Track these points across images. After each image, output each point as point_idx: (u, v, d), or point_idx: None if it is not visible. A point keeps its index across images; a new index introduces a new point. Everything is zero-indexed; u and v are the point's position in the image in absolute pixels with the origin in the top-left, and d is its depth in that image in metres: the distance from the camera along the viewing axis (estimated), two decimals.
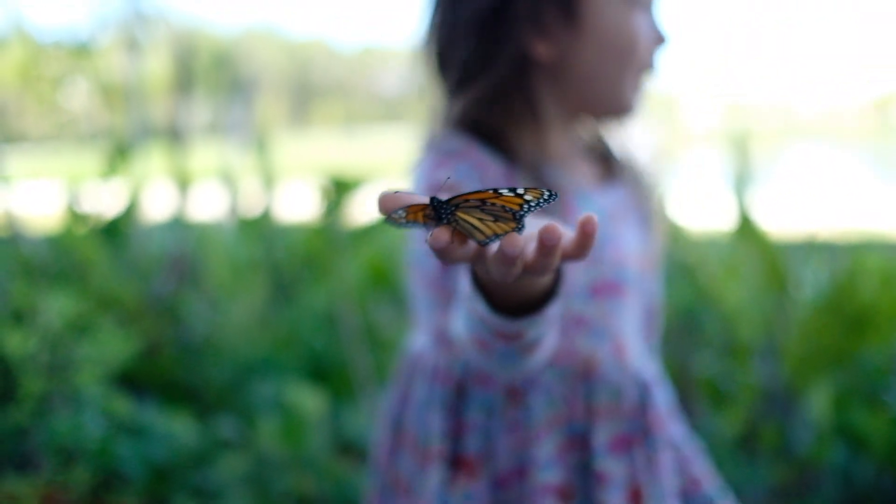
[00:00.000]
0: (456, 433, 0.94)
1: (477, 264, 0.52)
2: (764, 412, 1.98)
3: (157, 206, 3.29)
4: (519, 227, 0.49)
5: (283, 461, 1.92)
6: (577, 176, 0.96)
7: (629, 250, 0.97)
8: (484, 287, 0.62)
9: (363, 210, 2.46)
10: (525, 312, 0.62)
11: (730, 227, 2.07)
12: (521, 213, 0.50)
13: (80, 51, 4.15)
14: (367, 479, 1.08)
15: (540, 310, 0.62)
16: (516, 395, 0.93)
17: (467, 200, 0.49)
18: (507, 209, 0.49)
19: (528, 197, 0.49)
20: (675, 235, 2.06)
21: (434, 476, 0.93)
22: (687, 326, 2.30)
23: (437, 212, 0.49)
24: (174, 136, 3.50)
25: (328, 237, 2.42)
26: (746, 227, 2.02)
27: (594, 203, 0.96)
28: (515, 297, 0.61)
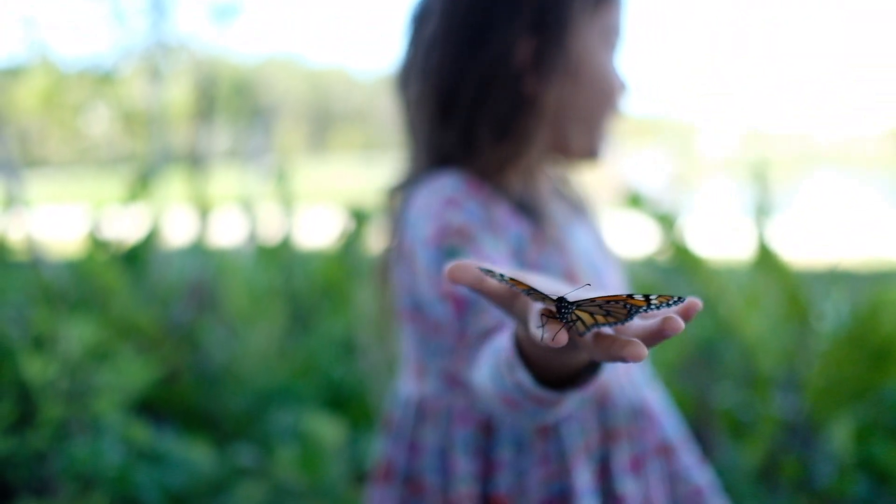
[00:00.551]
0: (485, 473, 0.93)
1: (572, 349, 0.51)
2: (785, 444, 1.96)
3: (177, 233, 3.32)
4: (625, 321, 0.48)
5: (301, 490, 1.92)
6: (559, 212, 0.98)
7: (611, 279, 0.99)
8: (526, 355, 0.60)
9: (381, 238, 2.46)
10: (565, 381, 0.61)
11: (749, 257, 2.06)
12: (637, 309, 0.48)
13: (103, 78, 4.20)
14: None
15: (583, 383, 0.61)
16: (547, 427, 0.92)
17: (594, 301, 0.48)
18: (627, 306, 0.48)
19: (654, 303, 0.48)
20: (695, 265, 2.05)
21: None
22: (707, 357, 2.29)
23: (560, 311, 0.49)
24: (195, 162, 3.52)
25: (347, 265, 2.42)
26: (766, 257, 2.01)
27: (579, 238, 0.98)
28: (560, 368, 0.60)
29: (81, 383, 1.92)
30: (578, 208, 1.05)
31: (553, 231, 0.93)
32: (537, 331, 0.47)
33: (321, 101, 43.48)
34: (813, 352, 1.94)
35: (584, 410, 0.93)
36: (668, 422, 1.02)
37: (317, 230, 3.72)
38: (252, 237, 3.20)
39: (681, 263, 2.07)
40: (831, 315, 1.99)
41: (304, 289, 3.00)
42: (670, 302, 0.48)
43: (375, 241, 1.09)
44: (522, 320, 0.52)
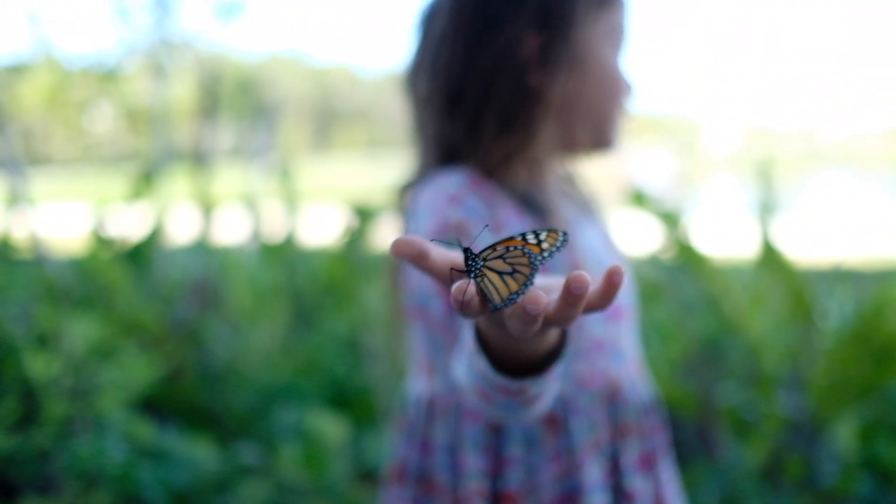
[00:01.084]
0: (495, 470, 0.93)
1: (492, 320, 0.52)
2: (789, 443, 1.96)
3: (181, 230, 3.32)
4: (532, 274, 0.49)
5: (304, 488, 1.92)
6: (566, 209, 0.98)
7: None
8: (487, 343, 0.61)
9: (385, 236, 2.47)
10: (528, 371, 0.62)
11: (754, 256, 2.05)
12: (539, 258, 0.50)
13: (107, 76, 4.20)
14: None
15: (544, 370, 0.62)
16: (556, 423, 0.93)
17: (495, 249, 0.49)
18: (527, 252, 0.49)
19: (545, 245, 0.50)
20: (699, 264, 2.04)
21: None
22: (711, 356, 2.28)
23: (466, 264, 0.49)
24: (198, 160, 3.52)
25: (350, 263, 2.42)
26: (771, 256, 2.00)
27: (586, 233, 0.99)
28: (520, 356, 0.60)
29: (85, 381, 1.92)
30: (585, 206, 1.06)
31: (561, 226, 0.93)
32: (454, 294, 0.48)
33: (325, 98, 43.47)
34: (817, 350, 1.93)
35: (595, 406, 0.94)
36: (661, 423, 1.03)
37: (320, 228, 3.72)
38: (256, 235, 3.21)
39: (685, 262, 2.07)
40: (835, 314, 1.98)
41: (308, 287, 3.00)
42: (557, 243, 0.50)
43: (386, 239, 1.10)
44: None
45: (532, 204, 0.94)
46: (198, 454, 1.98)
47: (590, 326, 0.93)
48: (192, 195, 3.28)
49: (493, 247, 0.50)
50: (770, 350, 2.00)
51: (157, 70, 3.74)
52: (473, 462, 0.93)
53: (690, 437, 2.19)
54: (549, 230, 0.50)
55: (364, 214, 2.65)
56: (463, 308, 0.48)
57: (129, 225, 2.76)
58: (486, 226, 0.87)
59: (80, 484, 1.83)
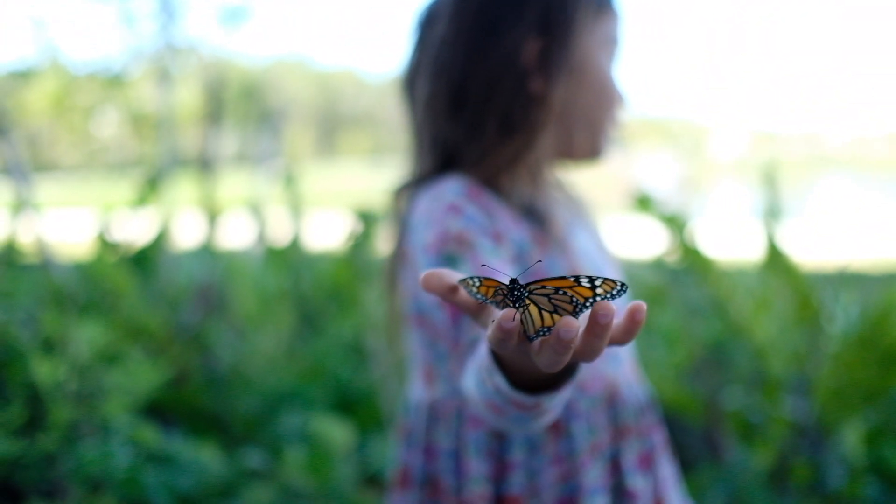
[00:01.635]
0: (498, 474, 0.94)
1: (519, 348, 0.52)
2: (795, 447, 1.96)
3: (186, 235, 3.32)
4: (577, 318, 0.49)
5: (310, 492, 1.92)
6: (562, 213, 0.99)
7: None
8: (503, 361, 0.61)
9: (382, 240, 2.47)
10: (543, 386, 0.62)
11: (760, 259, 2.05)
12: (585, 305, 0.49)
13: (113, 81, 4.20)
14: None
15: (560, 386, 0.61)
16: (558, 427, 0.94)
17: (544, 287, 0.49)
18: (574, 300, 0.49)
19: (599, 291, 0.49)
20: (705, 267, 2.04)
21: None
22: (717, 359, 2.28)
23: (512, 294, 0.50)
24: (204, 165, 3.53)
25: (355, 268, 2.42)
26: (776, 259, 2.00)
27: (579, 237, 1.00)
28: (535, 373, 0.59)
29: (91, 386, 1.92)
30: (577, 210, 1.07)
31: (558, 233, 0.94)
32: (491, 334, 0.48)
33: (330, 103, 43.52)
34: (823, 354, 1.93)
35: (595, 409, 0.95)
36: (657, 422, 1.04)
37: (325, 233, 3.72)
38: (261, 240, 3.21)
39: (691, 265, 2.06)
40: (841, 317, 1.98)
41: (313, 291, 3.00)
42: (614, 291, 0.50)
43: (382, 244, 1.10)
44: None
45: (530, 211, 0.95)
46: (203, 458, 1.98)
47: None
48: (197, 200, 3.28)
49: (542, 283, 0.49)
50: (776, 354, 2.00)
51: (163, 75, 3.75)
52: (476, 466, 0.93)
53: (697, 440, 2.18)
54: (606, 279, 0.49)
55: (368, 219, 2.65)
56: (505, 334, 0.48)
57: (135, 230, 2.76)
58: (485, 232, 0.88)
59: (85, 488, 1.83)
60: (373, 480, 2.10)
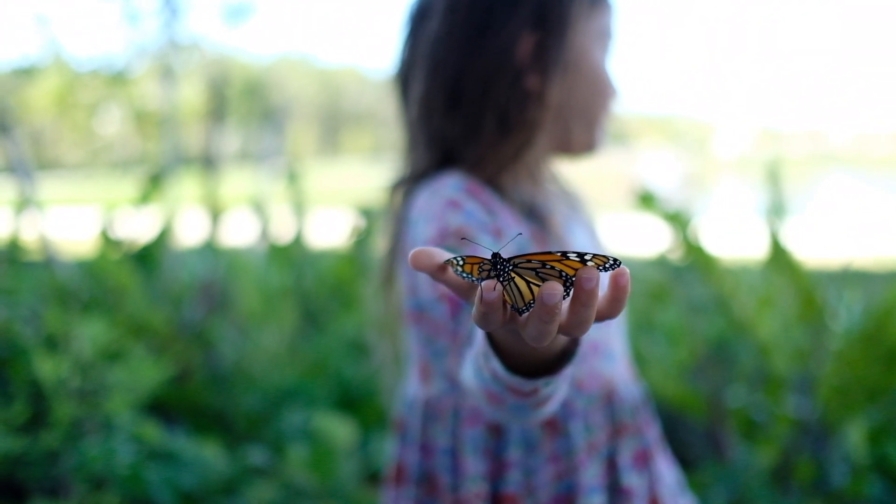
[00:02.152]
0: (495, 473, 0.94)
1: (509, 328, 0.52)
2: (798, 445, 1.95)
3: (189, 233, 3.32)
4: (566, 295, 0.48)
5: (313, 490, 1.92)
6: (560, 209, 0.99)
7: (606, 276, 0.99)
8: (499, 345, 0.60)
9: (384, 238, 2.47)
10: (541, 371, 0.61)
11: (763, 257, 2.04)
12: (570, 279, 0.48)
13: (116, 79, 4.20)
14: None
15: (557, 370, 0.61)
16: (555, 425, 0.94)
17: (529, 261, 0.49)
18: (563, 274, 0.48)
19: (589, 264, 0.48)
20: (708, 265, 2.04)
21: None
22: (719, 357, 2.28)
23: (495, 268, 0.49)
24: (207, 163, 3.53)
25: (358, 265, 2.42)
26: (780, 257, 1.99)
27: (576, 233, 1.00)
28: (532, 357, 0.60)
29: (94, 383, 1.93)
30: (574, 205, 1.07)
31: (557, 230, 0.94)
32: (475, 310, 0.48)
33: (333, 100, 43.53)
34: (826, 352, 1.92)
35: (592, 408, 0.95)
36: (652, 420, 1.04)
37: (328, 230, 3.72)
38: (263, 237, 3.21)
39: (694, 263, 2.06)
40: (845, 315, 1.97)
41: (316, 289, 3.00)
42: (606, 265, 0.48)
43: (379, 241, 1.10)
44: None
45: (528, 206, 0.94)
46: (206, 455, 1.98)
47: None
48: (200, 198, 3.28)
49: (528, 257, 0.49)
50: (779, 351, 2.00)
51: (166, 73, 3.75)
52: (473, 465, 0.93)
53: (699, 438, 2.18)
54: (597, 254, 0.48)
55: (371, 216, 2.65)
56: (488, 307, 0.47)
57: (138, 227, 2.76)
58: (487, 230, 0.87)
59: (88, 485, 1.83)
60: (375, 478, 2.10)
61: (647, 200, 1.97)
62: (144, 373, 1.97)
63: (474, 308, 0.48)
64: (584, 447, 0.94)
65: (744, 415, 2.11)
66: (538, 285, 0.48)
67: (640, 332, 2.54)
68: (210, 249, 3.06)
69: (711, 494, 1.89)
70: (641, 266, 2.67)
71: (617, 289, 0.48)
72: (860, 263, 3.12)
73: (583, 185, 1.11)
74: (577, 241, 0.98)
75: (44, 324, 2.12)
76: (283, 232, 3.11)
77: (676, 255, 2.09)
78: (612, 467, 0.96)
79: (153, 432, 1.92)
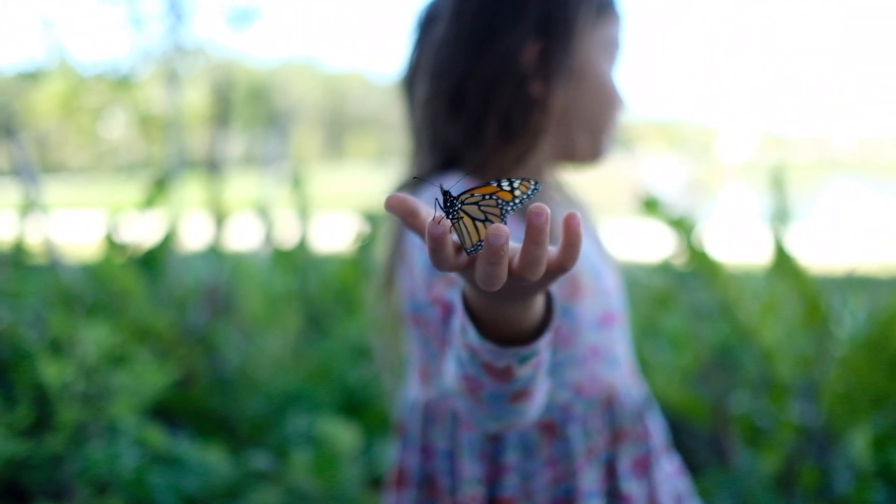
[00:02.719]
0: (492, 476, 0.94)
1: (466, 273, 0.52)
2: (802, 451, 1.95)
3: (194, 237, 3.33)
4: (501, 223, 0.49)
5: (316, 494, 1.92)
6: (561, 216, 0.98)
7: (610, 280, 1.00)
8: (475, 317, 0.60)
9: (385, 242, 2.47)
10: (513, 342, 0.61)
11: (767, 262, 2.04)
12: (510, 205, 0.50)
13: (121, 83, 4.21)
14: None
15: (530, 342, 0.61)
16: (553, 429, 0.94)
17: (472, 195, 0.50)
18: (500, 202, 0.50)
19: (517, 192, 0.50)
20: (712, 270, 2.04)
21: None
22: (724, 363, 2.27)
23: (446, 206, 0.50)
24: (211, 167, 3.54)
25: (362, 269, 2.42)
26: (784, 262, 1.99)
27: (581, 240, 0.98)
28: (507, 328, 0.60)
29: (98, 387, 1.93)
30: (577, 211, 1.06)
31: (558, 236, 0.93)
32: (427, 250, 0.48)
33: (337, 105, 43.55)
34: (831, 358, 1.92)
35: (592, 412, 0.95)
36: (655, 426, 1.04)
37: (332, 235, 3.72)
38: (268, 242, 3.21)
39: (698, 268, 2.06)
40: (849, 321, 1.97)
41: (320, 293, 3.00)
42: (529, 191, 0.51)
43: (380, 245, 1.10)
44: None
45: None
46: (210, 460, 1.98)
47: (585, 333, 0.94)
48: (204, 202, 3.29)
49: (470, 192, 0.50)
50: (783, 357, 1.99)
51: (171, 77, 3.76)
52: (470, 468, 0.94)
53: (703, 444, 2.18)
54: (522, 179, 0.51)
55: (375, 221, 2.65)
56: (435, 243, 0.47)
57: (142, 231, 2.77)
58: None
59: (92, 489, 1.84)
60: (379, 482, 2.10)
61: (651, 206, 1.97)
62: (148, 377, 1.97)
63: (426, 246, 0.48)
64: (582, 452, 0.94)
65: (748, 421, 2.11)
66: (482, 221, 0.50)
67: (645, 337, 2.54)
68: (214, 253, 3.06)
69: (715, 501, 1.89)
70: (646, 272, 2.67)
71: (569, 233, 0.48)
72: (865, 269, 3.11)
73: (587, 190, 1.11)
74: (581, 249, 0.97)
75: (48, 327, 2.12)
76: (287, 236, 3.11)
77: (680, 261, 2.09)
78: (611, 473, 0.96)
79: (157, 436, 1.92)
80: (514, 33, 0.93)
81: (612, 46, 0.99)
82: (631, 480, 0.96)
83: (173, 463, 1.97)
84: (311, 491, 1.92)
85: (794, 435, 1.94)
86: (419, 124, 0.99)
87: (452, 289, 0.79)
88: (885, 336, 1.81)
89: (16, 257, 2.64)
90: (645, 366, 2.13)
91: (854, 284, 2.21)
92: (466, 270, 0.51)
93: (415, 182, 0.99)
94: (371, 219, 2.68)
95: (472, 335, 0.60)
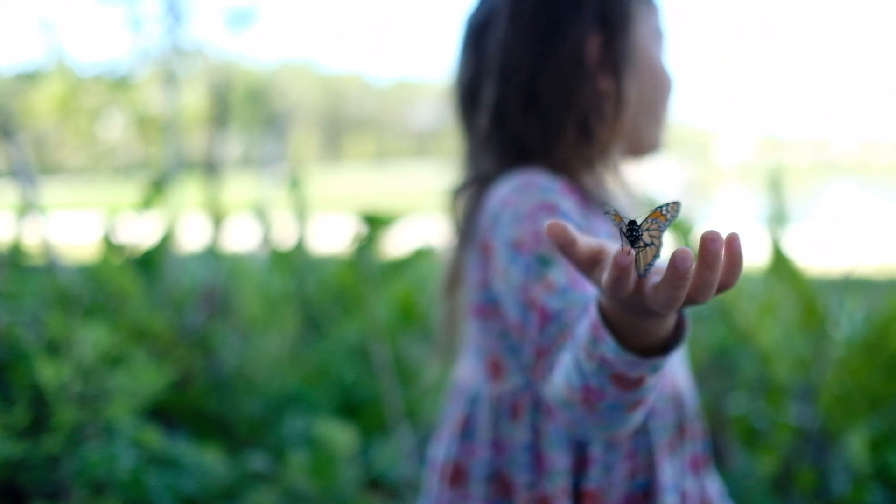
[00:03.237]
0: (577, 468, 0.93)
1: (635, 300, 0.52)
2: (799, 453, 1.95)
3: (191, 238, 3.32)
4: (661, 246, 0.51)
5: (313, 496, 1.92)
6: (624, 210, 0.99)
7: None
8: (610, 323, 0.59)
9: (394, 244, 2.47)
10: (649, 353, 0.60)
11: (764, 264, 2.04)
12: (664, 227, 0.52)
13: (119, 84, 4.21)
14: None
15: (666, 352, 0.60)
16: None
17: (646, 221, 0.52)
18: (661, 225, 0.52)
19: (668, 216, 0.52)
20: None
21: None
22: (721, 365, 2.28)
23: (630, 233, 0.52)
24: (209, 168, 3.53)
25: (360, 271, 2.42)
26: (781, 265, 1.99)
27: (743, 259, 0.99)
28: (647, 339, 0.59)
29: (95, 388, 1.93)
30: (636, 209, 1.05)
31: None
32: (607, 277, 0.50)
33: (335, 107, 43.56)
34: (828, 360, 1.92)
35: (667, 407, 0.95)
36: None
37: (330, 236, 3.72)
38: (265, 243, 3.21)
39: None
40: (846, 323, 1.97)
41: (317, 295, 3.00)
42: (676, 210, 0.53)
43: (394, 246, 1.10)
44: (602, 285, 0.54)
45: (604, 204, 0.95)
46: (207, 461, 1.98)
47: None
48: (202, 203, 3.29)
49: (647, 219, 0.52)
50: (781, 359, 1.99)
51: (169, 78, 3.75)
52: (557, 460, 0.92)
53: None
54: (671, 202, 0.53)
55: (373, 222, 2.65)
56: (621, 272, 0.49)
57: (140, 232, 2.77)
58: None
59: (89, 490, 1.83)
60: (376, 484, 2.10)
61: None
62: (146, 378, 1.97)
63: (606, 274, 0.50)
64: (661, 445, 0.94)
65: (745, 422, 2.11)
66: (649, 245, 0.51)
67: None
68: (212, 255, 3.06)
69: None
70: None
71: (732, 254, 0.49)
72: (862, 271, 3.11)
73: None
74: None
75: (45, 328, 2.12)
76: (284, 238, 3.11)
77: None
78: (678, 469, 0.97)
79: (154, 437, 1.92)
80: (577, 27, 0.94)
81: (659, 35, 1.01)
82: (688, 478, 0.97)
83: (170, 464, 1.97)
84: (309, 492, 1.92)
85: (792, 436, 1.95)
86: (487, 127, 0.99)
87: (552, 296, 0.78)
88: (882, 338, 1.82)
89: (13, 258, 2.63)
90: None
91: (851, 287, 2.21)
92: (634, 294, 0.52)
93: (478, 182, 0.99)
94: (369, 220, 2.68)
95: (610, 347, 0.59)
